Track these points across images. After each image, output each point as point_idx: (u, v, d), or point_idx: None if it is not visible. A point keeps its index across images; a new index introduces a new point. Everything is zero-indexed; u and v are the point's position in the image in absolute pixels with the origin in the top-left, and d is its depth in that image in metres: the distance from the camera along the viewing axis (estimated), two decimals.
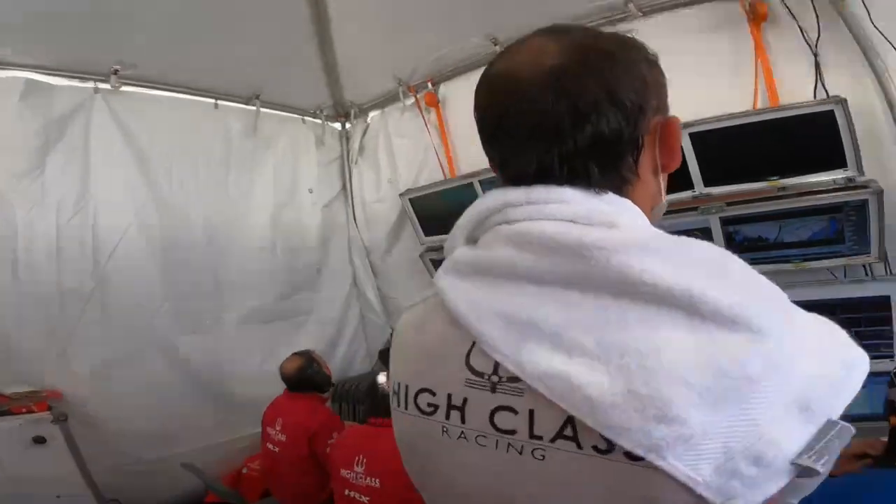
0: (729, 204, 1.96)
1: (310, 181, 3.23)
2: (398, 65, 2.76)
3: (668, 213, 2.04)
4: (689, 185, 2.02)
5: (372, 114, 3.23)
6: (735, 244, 2.03)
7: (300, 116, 3.19)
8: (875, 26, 1.63)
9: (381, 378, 1.82)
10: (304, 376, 2.34)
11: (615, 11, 2.05)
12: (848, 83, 1.73)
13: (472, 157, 2.61)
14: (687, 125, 1.88)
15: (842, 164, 1.76)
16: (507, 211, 0.51)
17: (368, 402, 1.87)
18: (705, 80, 1.91)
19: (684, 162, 1.97)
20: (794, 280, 1.99)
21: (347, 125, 3.37)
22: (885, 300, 1.78)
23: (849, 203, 1.79)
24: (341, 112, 3.29)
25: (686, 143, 1.90)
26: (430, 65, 2.66)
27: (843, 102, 1.64)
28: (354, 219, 3.36)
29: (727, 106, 1.86)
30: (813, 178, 1.83)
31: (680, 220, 2.07)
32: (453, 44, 2.49)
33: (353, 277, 3.38)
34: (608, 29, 2.11)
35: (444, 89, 2.73)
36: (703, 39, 1.92)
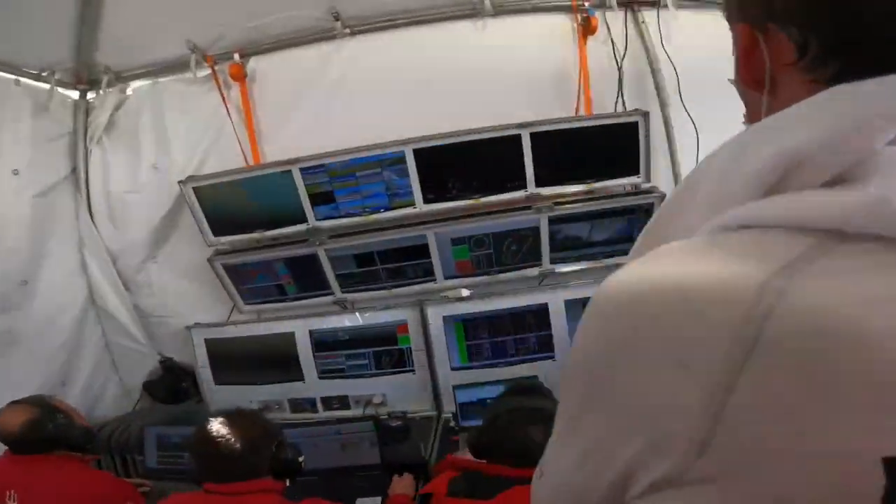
0: (556, 204, 2.09)
1: (16, 161, 2.19)
2: (197, 29, 2.19)
3: (502, 211, 1.98)
4: (523, 185, 2.10)
5: (136, 84, 2.46)
6: (557, 242, 2.17)
7: (13, 76, 2.20)
8: (664, 48, 2.04)
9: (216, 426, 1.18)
10: (44, 434, 1.55)
11: (465, 6, 2.09)
12: (645, 99, 2.10)
13: (287, 140, 2.20)
14: (525, 125, 1.98)
15: (635, 171, 2.11)
16: None
17: (197, 458, 1.20)
18: (537, 85, 2.08)
19: (521, 162, 2.05)
20: (599, 276, 2.23)
21: (91, 95, 2.48)
22: None
23: (640, 206, 2.13)
24: (84, 78, 2.41)
25: (526, 144, 1.99)
26: (243, 33, 2.19)
27: (645, 116, 1.97)
28: (91, 213, 2.40)
29: (556, 111, 2.05)
30: (614, 182, 2.13)
31: (511, 220, 2.12)
32: (283, 13, 2.12)
33: (88, 290, 2.35)
34: (461, 21, 2.13)
35: (255, 63, 2.27)
36: (538, 47, 2.10)
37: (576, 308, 2.11)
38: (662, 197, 2.09)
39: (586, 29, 1.99)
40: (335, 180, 2.12)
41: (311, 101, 2.19)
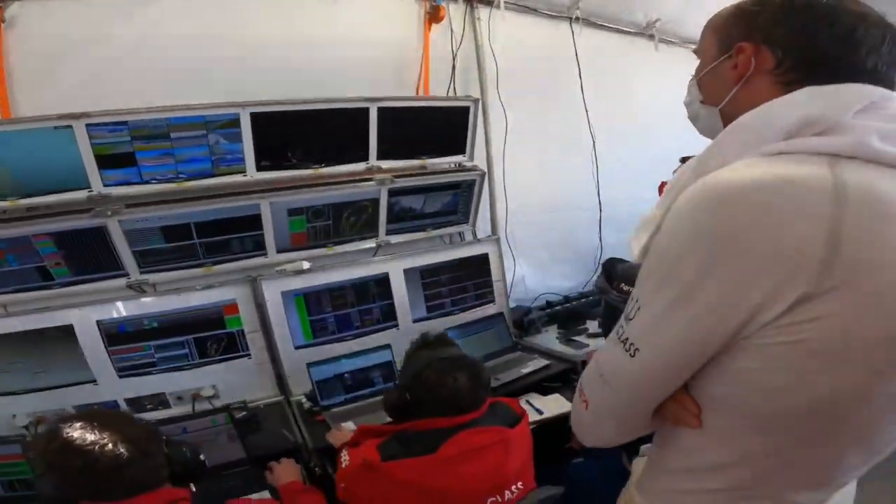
0: (397, 176, 2.17)
1: None
2: None
3: (345, 182, 2.00)
4: (365, 157, 2.10)
5: None
6: (393, 214, 2.26)
7: None
8: (490, 43, 2.29)
9: None
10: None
11: None
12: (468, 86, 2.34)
13: (57, 94, 1.66)
14: (375, 99, 1.97)
15: (462, 150, 2.35)
16: None
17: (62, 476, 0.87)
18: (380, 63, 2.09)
19: (366, 134, 2.04)
20: (428, 246, 2.44)
21: None
22: (485, 257, 2.48)
23: (464, 182, 2.39)
24: None
25: (373, 118, 1.99)
26: None
27: (476, 102, 2.20)
28: None
29: (396, 90, 2.10)
30: (443, 160, 2.33)
31: (354, 191, 2.11)
32: None
33: None
34: None
35: (17, 9, 1.59)
36: (387, 27, 2.09)
37: (413, 276, 2.26)
38: (483, 174, 2.39)
39: (433, 16, 2.09)
40: (140, 141, 1.71)
41: (95, 57, 1.73)
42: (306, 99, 1.85)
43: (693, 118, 0.77)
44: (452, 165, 2.37)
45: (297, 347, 2.01)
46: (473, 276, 2.44)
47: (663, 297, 0.59)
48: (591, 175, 2.90)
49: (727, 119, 0.66)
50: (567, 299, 2.72)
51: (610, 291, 1.40)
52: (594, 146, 2.83)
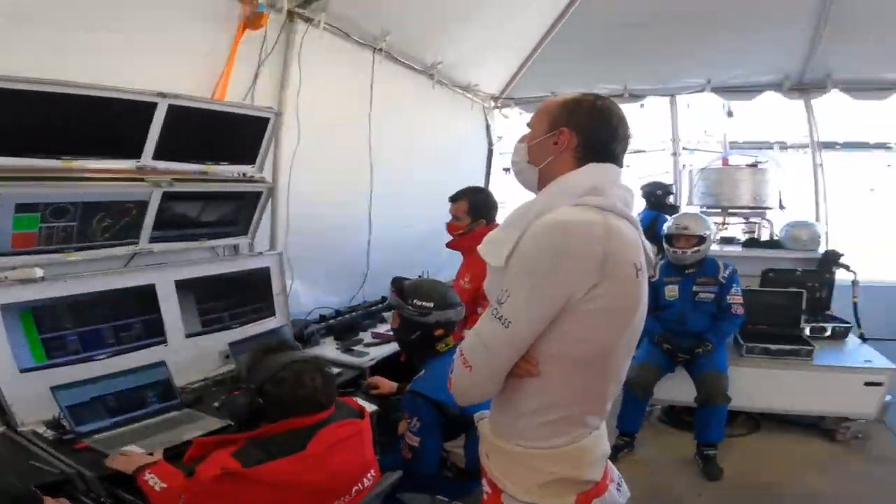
0: (176, 180, 1.99)
1: None
2: None
3: (108, 180, 1.91)
4: (136, 155, 1.87)
5: None
6: (164, 219, 2.04)
7: None
8: (299, 57, 2.32)
9: None
10: None
11: None
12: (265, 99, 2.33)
13: None
14: (169, 96, 1.80)
15: (252, 161, 2.31)
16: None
17: None
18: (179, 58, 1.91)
19: (145, 131, 1.83)
20: (199, 257, 2.28)
21: None
22: (267, 270, 2.45)
23: (250, 193, 2.34)
24: None
25: (160, 114, 1.81)
26: None
27: (278, 115, 2.21)
28: None
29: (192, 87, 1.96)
30: (229, 168, 2.24)
31: (118, 190, 1.85)
32: None
33: None
34: None
35: None
36: (195, 21, 1.91)
37: (186, 288, 2.09)
38: (270, 188, 2.39)
39: (251, 22, 2.02)
40: None
41: None
42: (92, 84, 1.58)
43: (518, 172, 1.12)
44: (238, 175, 2.30)
45: (23, 371, 1.61)
46: (254, 289, 2.39)
47: (526, 286, 0.94)
48: (366, 199, 3.13)
49: (542, 176, 1.05)
50: (339, 313, 2.91)
51: (405, 306, 1.68)
52: (371, 172, 3.07)
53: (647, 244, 1.04)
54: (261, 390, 1.21)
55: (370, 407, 1.76)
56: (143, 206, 1.95)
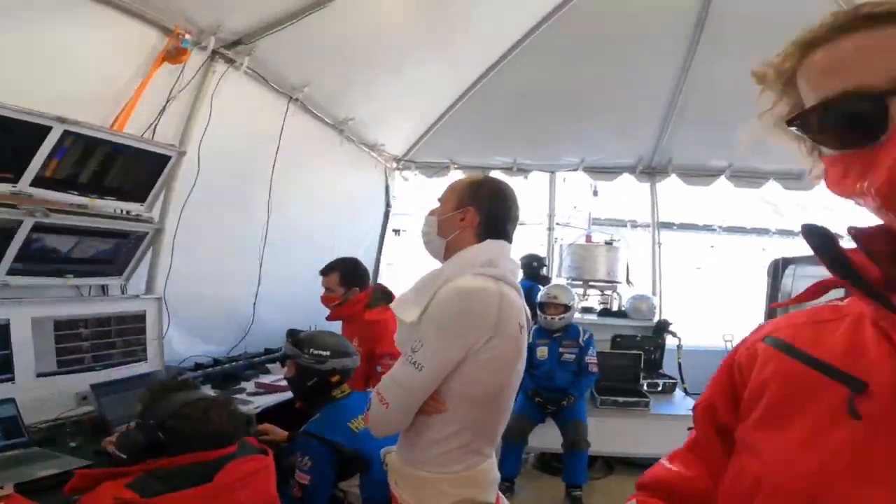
0: (52, 211, 1.86)
1: None
2: None
3: None
4: (13, 180, 1.73)
5: None
6: (30, 252, 1.87)
7: None
8: (212, 97, 2.33)
9: None
10: None
11: None
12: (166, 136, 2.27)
13: None
14: (67, 121, 1.73)
15: (142, 199, 2.21)
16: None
17: None
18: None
19: (31, 155, 1.73)
20: (63, 295, 2.09)
21: None
22: (142, 315, 2.30)
23: (134, 232, 2.23)
24: None
25: (52, 139, 1.73)
26: None
27: (181, 154, 2.17)
28: None
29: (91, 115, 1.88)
30: (116, 203, 2.13)
31: None
32: None
33: None
34: None
35: None
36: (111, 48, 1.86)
37: (44, 326, 1.89)
38: (158, 229, 2.30)
39: (172, 56, 2.02)
40: None
41: None
42: None
43: (427, 242, 1.32)
44: (122, 212, 2.19)
45: None
46: (125, 332, 2.22)
47: (436, 338, 1.15)
48: (259, 249, 3.04)
49: (448, 247, 1.27)
50: (217, 362, 2.78)
51: (301, 355, 1.73)
52: (267, 223, 3.03)
53: (527, 308, 1.30)
54: (161, 426, 1.20)
55: None
56: (9, 234, 1.78)
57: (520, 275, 1.39)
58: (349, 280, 2.44)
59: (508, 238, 1.30)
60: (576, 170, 4.86)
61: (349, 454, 1.60)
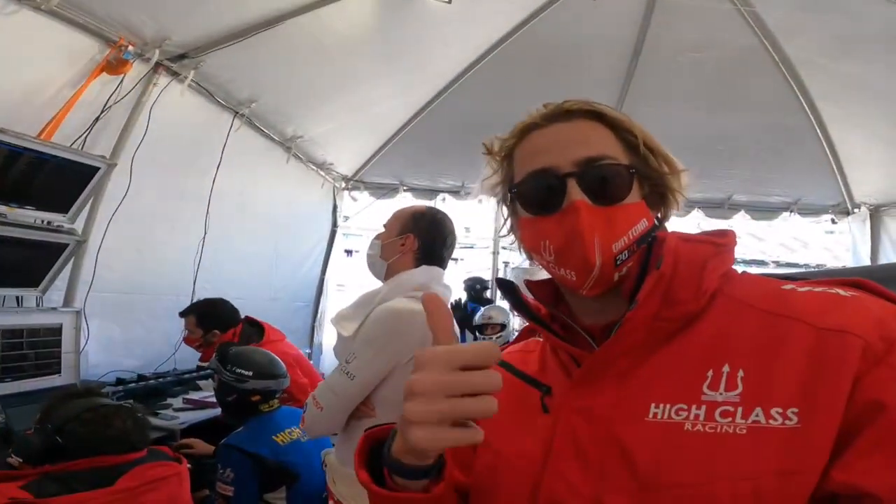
0: None
1: None
2: None
3: None
4: None
5: None
6: None
7: None
8: (151, 110, 2.31)
9: None
10: None
11: None
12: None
13: None
14: None
15: (65, 210, 2.15)
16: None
17: None
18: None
19: None
20: None
21: None
22: (58, 327, 2.21)
23: (54, 244, 2.15)
24: None
25: None
26: None
27: (111, 166, 2.13)
28: None
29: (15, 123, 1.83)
30: (36, 213, 2.06)
31: None
32: None
33: None
34: None
35: None
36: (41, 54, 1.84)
37: None
38: (80, 242, 2.23)
39: (112, 66, 2.02)
40: None
41: None
42: None
43: (370, 263, 1.44)
44: (43, 222, 2.11)
45: None
46: (39, 345, 2.15)
47: (368, 352, 1.27)
48: (192, 265, 2.97)
49: (388, 269, 1.37)
50: (142, 377, 2.69)
51: (223, 371, 1.73)
52: (203, 239, 2.97)
53: (456, 327, 1.38)
54: (60, 430, 1.20)
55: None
56: None
57: (450, 296, 1.53)
58: (206, 322, 2.47)
59: (443, 264, 1.44)
60: None
61: (273, 466, 1.63)
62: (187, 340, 2.48)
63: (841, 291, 0.50)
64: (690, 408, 0.49)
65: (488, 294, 5.13)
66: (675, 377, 0.51)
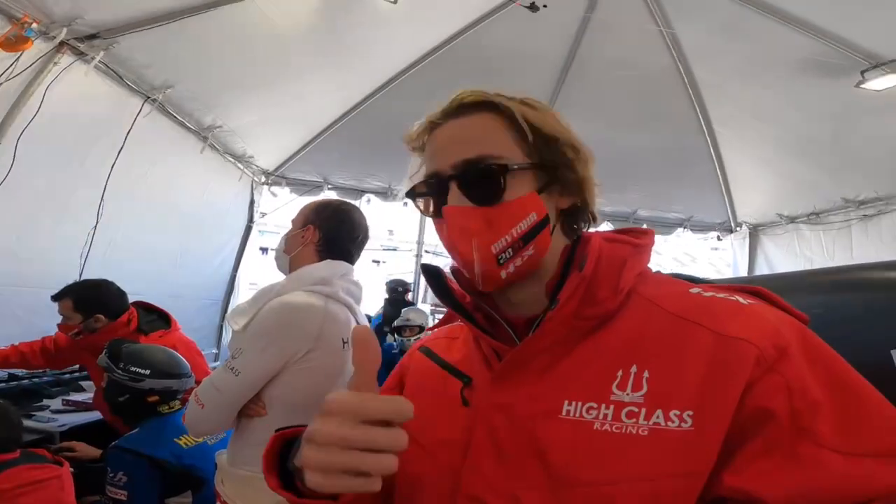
0: None
1: None
2: None
3: None
4: None
5: None
6: None
7: None
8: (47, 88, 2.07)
9: None
10: None
11: None
12: None
13: None
14: None
15: None
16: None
17: None
18: None
19: None
20: None
21: None
22: None
23: None
24: None
25: None
26: None
27: None
28: None
29: None
30: None
31: None
32: None
33: None
34: None
35: None
36: None
37: None
38: None
39: (10, 43, 1.90)
40: None
41: None
42: None
43: (277, 258, 1.38)
44: None
45: None
46: None
47: (257, 347, 1.19)
48: (79, 258, 2.66)
49: (291, 264, 1.32)
50: (14, 377, 2.41)
51: (115, 370, 1.57)
52: (95, 230, 2.68)
53: (360, 324, 1.37)
54: None
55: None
56: None
57: (360, 294, 1.41)
58: (86, 306, 2.05)
59: (351, 259, 1.37)
60: None
61: (175, 471, 1.51)
62: (63, 328, 2.06)
63: (741, 299, 0.51)
64: (600, 406, 0.49)
65: (410, 297, 5.16)
66: (588, 375, 0.52)
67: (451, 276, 0.65)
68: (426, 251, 5.80)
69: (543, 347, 0.54)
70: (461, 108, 0.59)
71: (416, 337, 3.53)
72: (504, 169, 0.56)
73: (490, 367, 0.58)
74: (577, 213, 0.62)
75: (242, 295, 4.64)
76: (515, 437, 0.52)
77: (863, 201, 3.83)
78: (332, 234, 1.34)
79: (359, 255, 1.41)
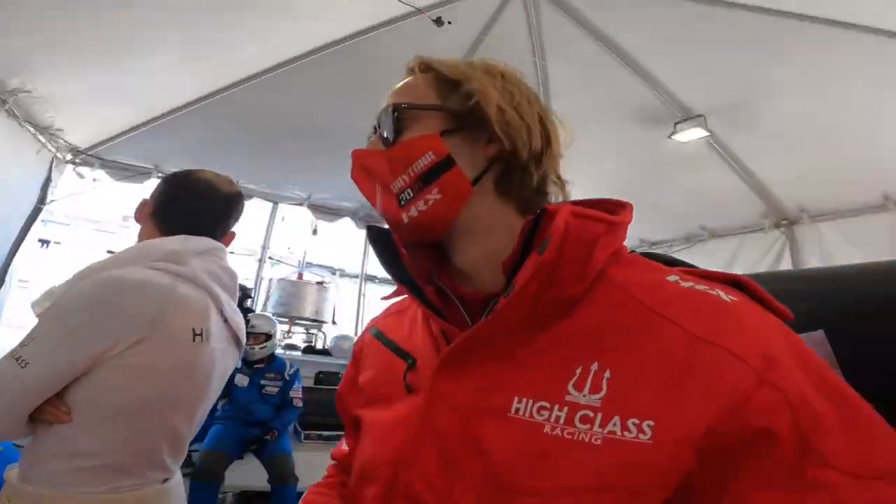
0: None
1: None
2: None
3: None
4: None
5: None
6: None
7: None
8: None
9: None
10: None
11: None
12: None
13: None
14: None
15: None
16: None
17: None
18: None
19: None
20: None
21: None
22: None
23: None
24: None
25: None
26: None
27: None
28: None
29: None
30: None
31: None
32: None
33: None
34: None
35: None
36: None
37: None
38: None
39: None
40: None
41: None
42: None
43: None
44: None
45: None
46: None
47: (57, 332, 0.89)
48: None
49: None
50: None
51: None
52: None
53: (228, 318, 1.11)
54: None
55: None
56: None
57: (228, 282, 1.14)
58: None
59: (214, 235, 1.09)
60: (301, 204, 4.80)
61: None
62: None
63: (722, 294, 0.45)
64: (553, 407, 0.44)
65: (249, 303, 4.75)
66: (542, 370, 0.46)
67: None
68: (270, 258, 5.41)
69: (495, 334, 0.48)
70: (409, 71, 0.60)
71: (261, 346, 3.27)
72: (404, 110, 0.55)
73: (438, 349, 0.53)
74: (521, 171, 0.54)
75: (12, 294, 3.61)
76: (458, 432, 0.47)
77: (654, 242, 4.62)
78: (165, 197, 1.07)
79: (225, 229, 1.12)
